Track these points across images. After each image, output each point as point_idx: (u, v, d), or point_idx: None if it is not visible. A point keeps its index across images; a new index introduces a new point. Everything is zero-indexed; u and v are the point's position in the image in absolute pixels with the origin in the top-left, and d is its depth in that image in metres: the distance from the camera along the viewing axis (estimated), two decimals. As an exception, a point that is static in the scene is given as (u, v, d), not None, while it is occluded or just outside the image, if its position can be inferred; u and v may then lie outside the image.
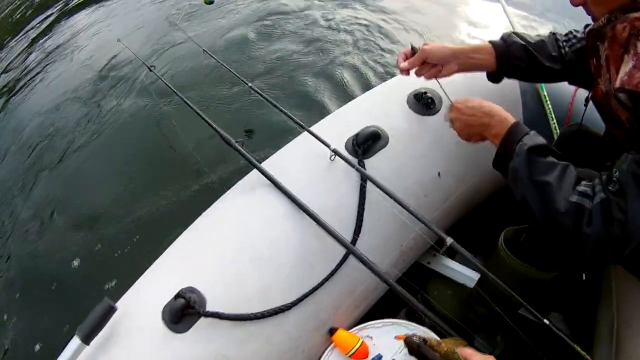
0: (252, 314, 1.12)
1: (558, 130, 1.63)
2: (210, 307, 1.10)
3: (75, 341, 1.01)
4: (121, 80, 3.15)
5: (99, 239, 2.09)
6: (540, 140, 0.96)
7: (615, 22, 0.93)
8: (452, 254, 1.53)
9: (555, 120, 1.64)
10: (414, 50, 1.18)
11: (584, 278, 1.48)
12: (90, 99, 3.17)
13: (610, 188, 0.85)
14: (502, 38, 1.22)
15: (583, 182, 0.90)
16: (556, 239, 0.92)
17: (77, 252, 2.08)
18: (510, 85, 1.56)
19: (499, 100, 1.32)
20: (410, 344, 0.62)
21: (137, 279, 1.21)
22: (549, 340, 1.38)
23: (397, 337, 1.30)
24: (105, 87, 3.23)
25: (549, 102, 1.66)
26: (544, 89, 1.68)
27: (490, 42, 1.22)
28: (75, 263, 2.02)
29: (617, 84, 0.86)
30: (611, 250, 0.85)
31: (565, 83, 1.27)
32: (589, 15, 1.02)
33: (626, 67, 0.86)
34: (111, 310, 1.04)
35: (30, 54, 4.25)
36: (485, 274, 1.08)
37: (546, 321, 1.02)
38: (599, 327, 1.30)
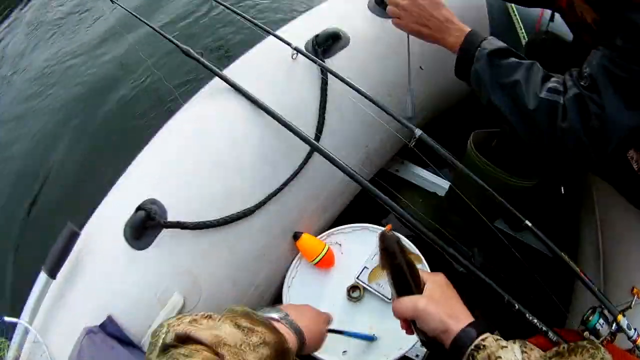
0: (213, 220, 1.08)
1: (526, 38, 1.60)
2: (171, 218, 1.05)
3: (43, 277, 0.96)
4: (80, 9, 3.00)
5: (57, 167, 2.02)
6: (500, 43, 0.93)
7: None
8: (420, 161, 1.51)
9: (523, 30, 1.60)
10: None
11: (562, 191, 1.45)
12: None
13: (582, 84, 0.82)
14: None
15: (552, 79, 0.87)
16: (532, 140, 0.89)
17: (38, 183, 2.01)
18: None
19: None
20: (389, 238, 0.59)
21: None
22: (527, 253, 1.38)
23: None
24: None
25: (516, 12, 1.62)
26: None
27: None
28: (35, 198, 1.96)
29: None
30: (593, 148, 0.81)
31: None
32: None
33: None
34: (74, 236, 0.98)
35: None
36: (459, 167, 1.05)
37: (528, 223, 0.98)
38: (583, 241, 1.30)
